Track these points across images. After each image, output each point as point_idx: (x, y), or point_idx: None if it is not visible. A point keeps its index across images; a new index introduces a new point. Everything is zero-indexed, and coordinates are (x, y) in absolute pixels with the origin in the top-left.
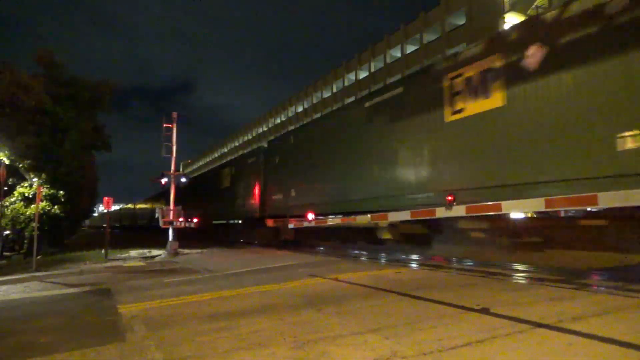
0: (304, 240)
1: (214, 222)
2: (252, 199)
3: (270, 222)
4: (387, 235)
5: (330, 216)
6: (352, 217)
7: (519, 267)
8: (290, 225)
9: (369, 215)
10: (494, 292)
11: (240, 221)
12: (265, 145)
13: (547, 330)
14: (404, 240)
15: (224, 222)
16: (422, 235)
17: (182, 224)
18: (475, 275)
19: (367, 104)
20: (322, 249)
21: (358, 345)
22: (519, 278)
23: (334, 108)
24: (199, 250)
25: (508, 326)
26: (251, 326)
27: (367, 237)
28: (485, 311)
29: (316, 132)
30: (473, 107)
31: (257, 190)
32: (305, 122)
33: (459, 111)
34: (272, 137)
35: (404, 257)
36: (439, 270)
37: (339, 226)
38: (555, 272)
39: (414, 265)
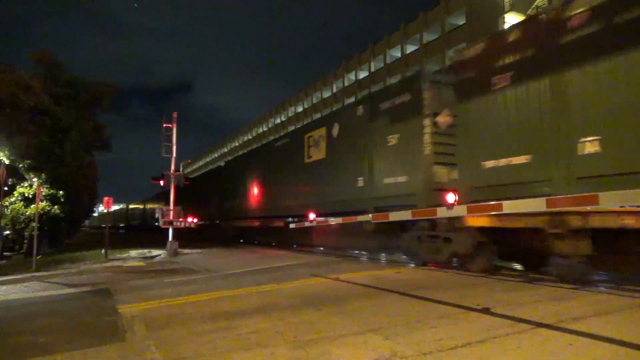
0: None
1: (287, 220)
2: (397, 174)
3: (477, 221)
4: None
5: None
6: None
7: (519, 267)
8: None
9: (370, 215)
10: (494, 292)
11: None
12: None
13: (547, 330)
14: None
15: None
16: None
17: (182, 224)
18: (476, 275)
19: None
20: (321, 248)
21: (358, 345)
22: (519, 278)
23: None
24: (199, 251)
25: (508, 326)
26: (251, 326)
27: None
28: (485, 311)
29: None
30: None
31: (414, 157)
32: None
33: None
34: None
35: (404, 257)
36: (439, 270)
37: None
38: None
39: (414, 265)
